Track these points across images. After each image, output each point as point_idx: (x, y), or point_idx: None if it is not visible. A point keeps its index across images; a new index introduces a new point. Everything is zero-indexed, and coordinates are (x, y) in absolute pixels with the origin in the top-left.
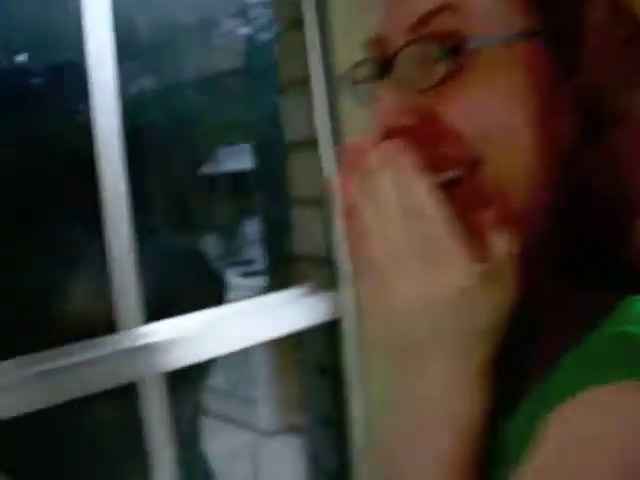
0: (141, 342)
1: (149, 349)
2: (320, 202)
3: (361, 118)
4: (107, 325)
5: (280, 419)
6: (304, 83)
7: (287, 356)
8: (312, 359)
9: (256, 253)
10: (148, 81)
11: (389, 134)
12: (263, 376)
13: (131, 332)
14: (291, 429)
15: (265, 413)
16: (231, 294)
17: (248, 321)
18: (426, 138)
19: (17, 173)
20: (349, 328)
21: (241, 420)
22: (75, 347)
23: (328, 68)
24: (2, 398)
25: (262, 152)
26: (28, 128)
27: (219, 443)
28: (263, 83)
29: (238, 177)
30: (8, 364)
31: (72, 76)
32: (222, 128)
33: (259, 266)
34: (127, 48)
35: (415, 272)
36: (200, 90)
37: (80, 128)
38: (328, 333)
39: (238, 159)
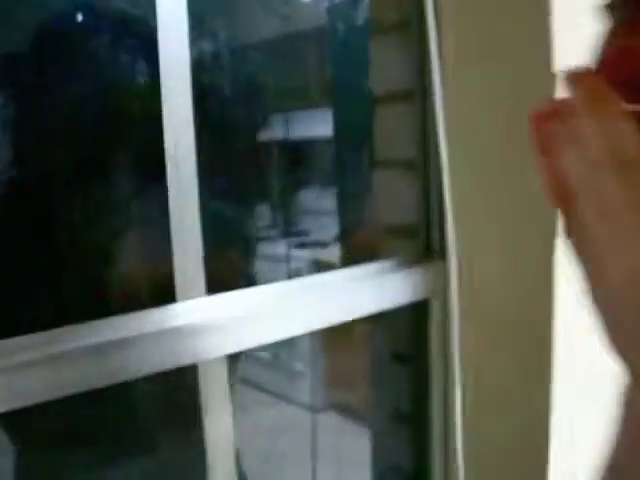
0: (203, 317)
1: (213, 326)
2: (412, 164)
3: (467, 66)
4: (165, 294)
5: (344, 410)
6: (401, 27)
7: (359, 338)
8: (389, 343)
9: (316, 224)
10: (221, 43)
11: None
12: (327, 358)
13: (191, 304)
14: (355, 417)
15: (322, 399)
16: (285, 266)
17: (323, 298)
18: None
19: (76, 136)
20: (438, 311)
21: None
22: (126, 318)
23: (436, 8)
24: (40, 375)
25: (340, 115)
26: (91, 88)
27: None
28: (345, 44)
29: (313, 143)
30: (44, 336)
31: (141, 35)
32: (298, 92)
33: (317, 237)
34: (201, 9)
35: (631, 237)
36: (275, 53)
37: (147, 89)
38: (411, 315)
39: (316, 124)
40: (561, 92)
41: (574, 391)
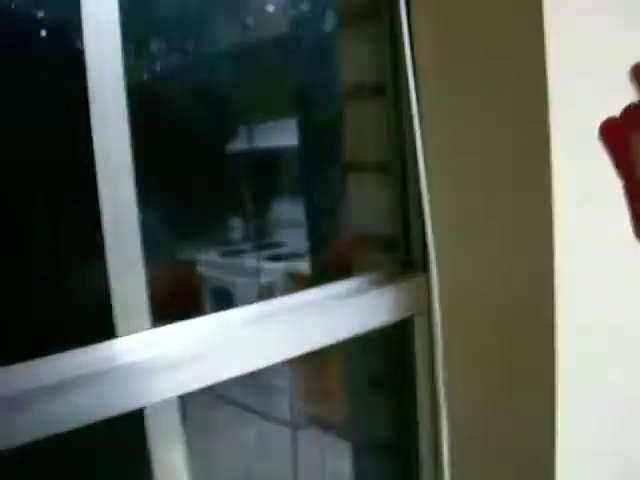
0: (149, 353)
1: (160, 363)
2: (387, 167)
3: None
4: (103, 328)
5: (324, 430)
6: (372, 15)
7: (337, 359)
8: (371, 366)
9: (288, 235)
10: (171, 54)
11: None
12: (305, 378)
13: (135, 338)
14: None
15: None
16: (257, 278)
17: (294, 324)
18: None
19: None
20: (423, 329)
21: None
22: (55, 359)
23: None
24: None
25: (309, 123)
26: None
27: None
28: (309, 50)
29: (277, 154)
30: None
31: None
32: (259, 102)
33: (289, 249)
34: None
35: None
36: (232, 62)
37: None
38: (394, 334)
39: (279, 135)
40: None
41: (579, 420)
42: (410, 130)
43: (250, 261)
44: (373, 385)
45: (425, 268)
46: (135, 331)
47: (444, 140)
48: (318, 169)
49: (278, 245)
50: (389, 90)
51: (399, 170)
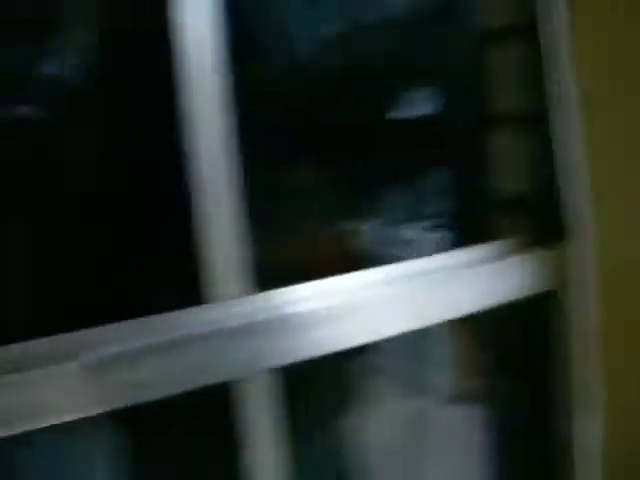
0: (246, 319)
1: (259, 330)
2: (532, 116)
3: None
4: (195, 294)
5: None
6: None
7: (471, 335)
8: (499, 348)
9: (442, 205)
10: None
11: None
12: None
13: (232, 304)
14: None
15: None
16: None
17: (421, 290)
18: None
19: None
20: (567, 306)
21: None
22: (145, 323)
23: None
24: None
25: (453, 93)
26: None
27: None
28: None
29: (425, 122)
30: (43, 344)
31: None
32: (410, 71)
33: (444, 219)
34: None
35: None
36: (384, 32)
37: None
38: (532, 311)
39: (423, 104)
40: None
41: None
42: (558, 72)
43: (407, 231)
44: (504, 367)
45: (574, 235)
46: (232, 297)
47: (601, 86)
48: (471, 132)
49: (436, 215)
50: (536, 32)
51: (546, 119)
